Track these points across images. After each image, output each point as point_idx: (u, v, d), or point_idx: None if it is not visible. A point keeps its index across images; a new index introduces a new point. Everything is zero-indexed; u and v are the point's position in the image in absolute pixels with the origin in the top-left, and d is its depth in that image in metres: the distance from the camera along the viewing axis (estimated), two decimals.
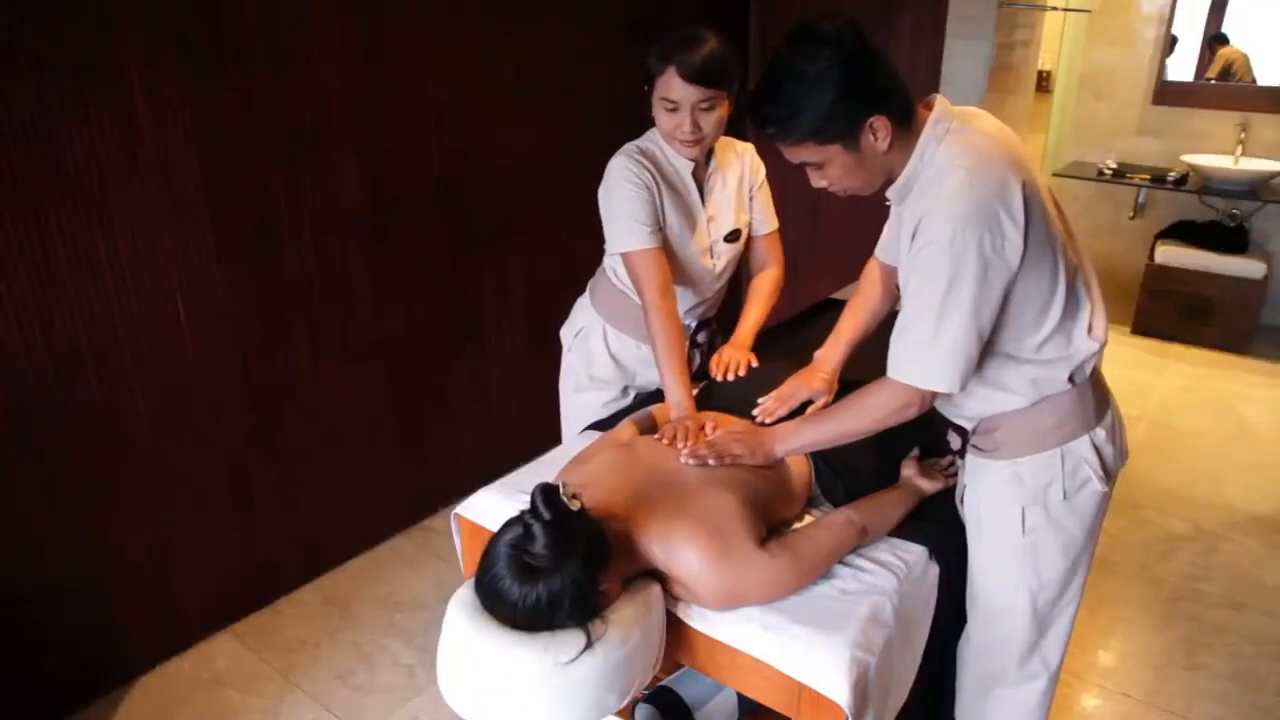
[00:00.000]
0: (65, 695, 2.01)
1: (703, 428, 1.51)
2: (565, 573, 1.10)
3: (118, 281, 1.88)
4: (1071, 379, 1.30)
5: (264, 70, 2.02)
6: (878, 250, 1.62)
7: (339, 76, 2.17)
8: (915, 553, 1.39)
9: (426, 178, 2.45)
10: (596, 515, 1.20)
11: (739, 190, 1.83)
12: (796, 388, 1.64)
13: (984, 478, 1.39)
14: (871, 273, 1.65)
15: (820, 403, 1.60)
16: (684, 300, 1.85)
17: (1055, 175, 4.51)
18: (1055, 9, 3.71)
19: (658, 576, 1.27)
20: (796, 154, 1.25)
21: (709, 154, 1.77)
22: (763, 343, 1.90)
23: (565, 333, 1.99)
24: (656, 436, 1.51)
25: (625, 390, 1.94)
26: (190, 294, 2.01)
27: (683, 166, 1.74)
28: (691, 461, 1.38)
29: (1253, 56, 4.23)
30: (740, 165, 1.83)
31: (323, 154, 2.19)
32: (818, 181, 1.29)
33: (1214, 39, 4.28)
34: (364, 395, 2.47)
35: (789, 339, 2.05)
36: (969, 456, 1.43)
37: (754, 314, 1.89)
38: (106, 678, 2.08)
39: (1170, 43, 4.34)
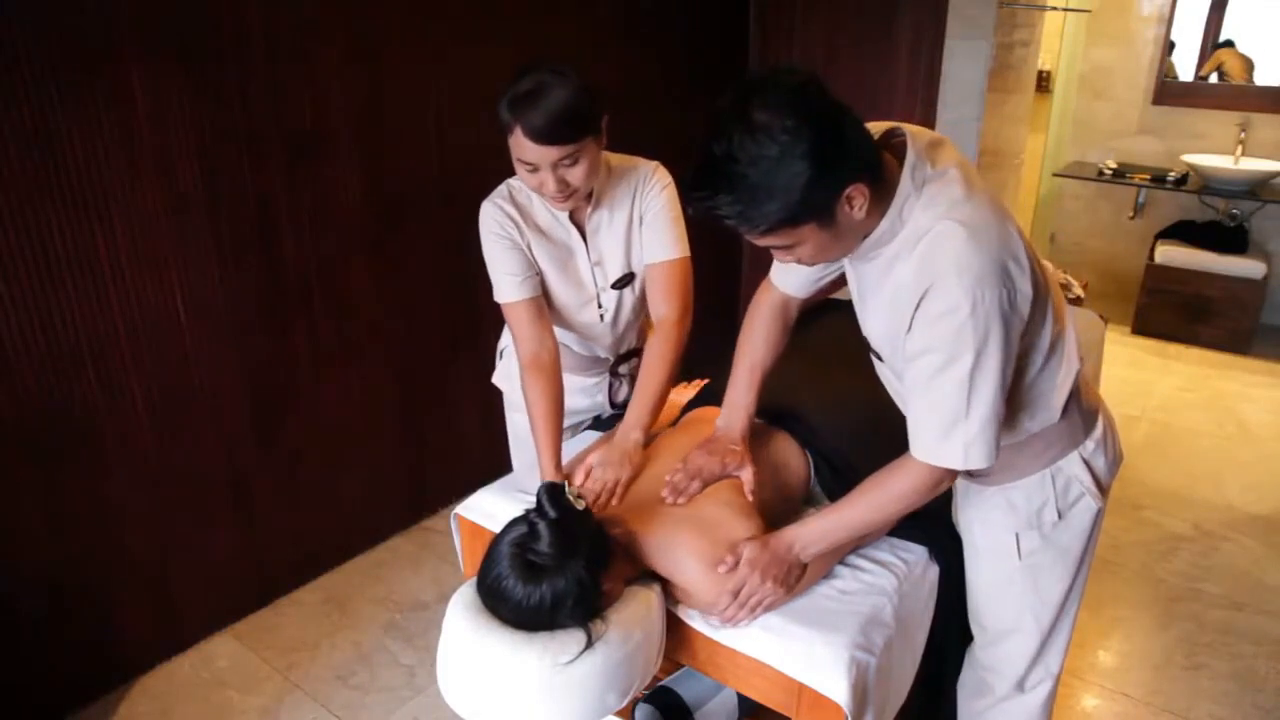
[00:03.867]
0: (65, 695, 2.01)
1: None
2: (569, 572, 1.10)
3: (118, 281, 1.88)
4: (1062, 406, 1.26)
5: (264, 70, 2.02)
6: (773, 276, 1.43)
7: (339, 76, 2.17)
8: (915, 553, 1.39)
9: (426, 178, 2.45)
10: (598, 516, 1.21)
11: (629, 226, 1.58)
12: (706, 462, 1.37)
13: (975, 502, 1.36)
14: (763, 306, 1.45)
15: (747, 476, 1.37)
16: (592, 344, 1.72)
17: (1055, 175, 4.51)
18: (1055, 9, 3.70)
19: (658, 578, 1.28)
20: (764, 241, 1.08)
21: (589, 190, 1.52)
22: None
23: (498, 349, 1.90)
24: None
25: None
26: (190, 294, 2.01)
27: (558, 210, 1.54)
28: (740, 621, 1.24)
29: (1253, 56, 4.22)
30: (631, 194, 1.57)
31: (323, 154, 2.19)
32: (784, 259, 1.16)
33: (1217, 46, 4.28)
34: (364, 395, 2.46)
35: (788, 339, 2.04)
36: (959, 480, 1.39)
37: (643, 398, 1.52)
38: (106, 678, 2.08)
39: (1170, 44, 4.34)
